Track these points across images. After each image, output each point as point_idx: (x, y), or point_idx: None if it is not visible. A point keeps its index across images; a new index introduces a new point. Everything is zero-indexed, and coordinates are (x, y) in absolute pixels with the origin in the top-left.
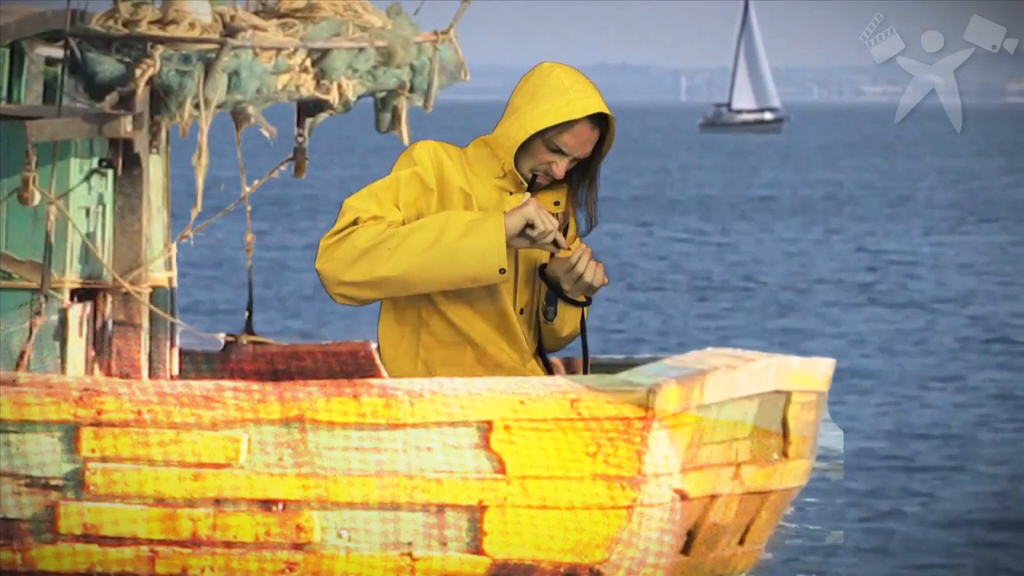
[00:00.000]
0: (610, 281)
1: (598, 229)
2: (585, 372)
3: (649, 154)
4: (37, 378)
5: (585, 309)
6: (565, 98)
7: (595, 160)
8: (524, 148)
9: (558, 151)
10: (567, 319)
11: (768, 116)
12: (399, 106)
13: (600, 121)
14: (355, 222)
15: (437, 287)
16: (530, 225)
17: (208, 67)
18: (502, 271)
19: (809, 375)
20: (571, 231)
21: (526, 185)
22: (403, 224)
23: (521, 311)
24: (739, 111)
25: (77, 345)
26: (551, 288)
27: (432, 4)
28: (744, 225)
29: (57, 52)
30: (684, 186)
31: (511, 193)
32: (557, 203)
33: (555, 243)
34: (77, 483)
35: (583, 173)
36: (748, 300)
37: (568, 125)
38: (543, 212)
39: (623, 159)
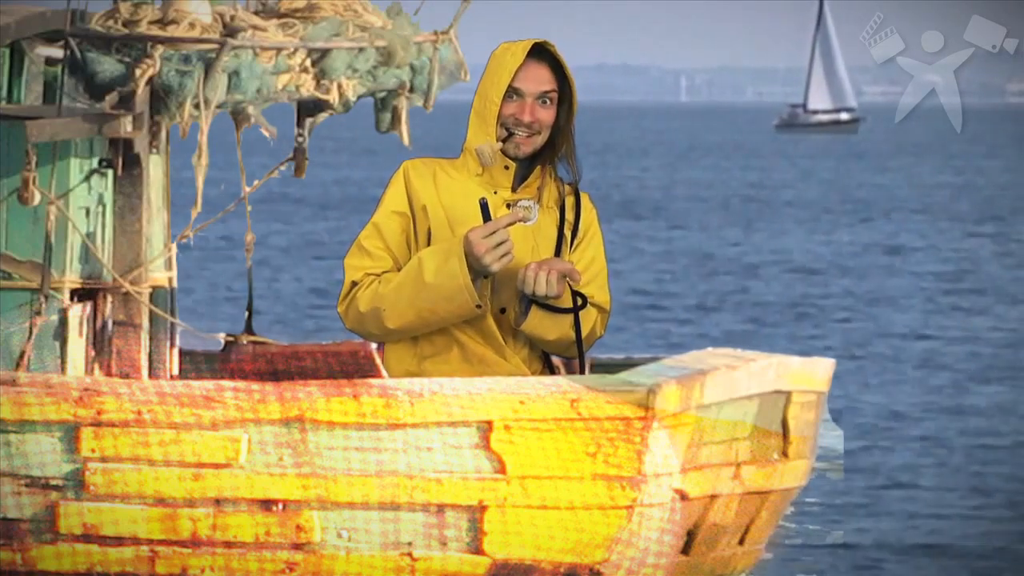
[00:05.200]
0: (579, 279)
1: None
2: (581, 372)
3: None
4: (37, 378)
5: (582, 312)
6: (509, 53)
7: (563, 116)
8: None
9: (516, 95)
10: (549, 325)
11: (844, 116)
12: (399, 106)
13: (557, 73)
14: (353, 284)
15: (446, 324)
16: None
17: (208, 67)
18: (479, 306)
19: (809, 375)
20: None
21: (509, 164)
22: (397, 266)
23: (502, 310)
24: (815, 111)
25: (77, 345)
26: (523, 294)
27: (432, 4)
28: None
29: (57, 52)
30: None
31: (495, 192)
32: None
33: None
34: (77, 483)
35: (557, 134)
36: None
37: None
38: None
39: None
